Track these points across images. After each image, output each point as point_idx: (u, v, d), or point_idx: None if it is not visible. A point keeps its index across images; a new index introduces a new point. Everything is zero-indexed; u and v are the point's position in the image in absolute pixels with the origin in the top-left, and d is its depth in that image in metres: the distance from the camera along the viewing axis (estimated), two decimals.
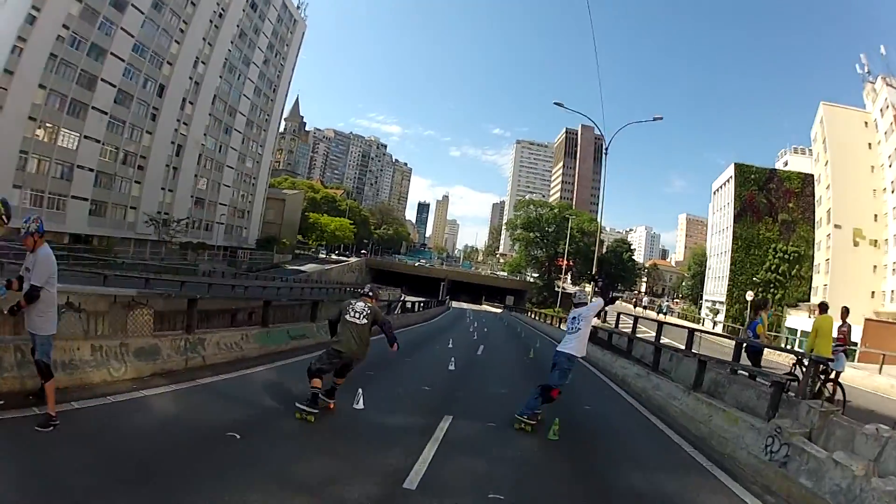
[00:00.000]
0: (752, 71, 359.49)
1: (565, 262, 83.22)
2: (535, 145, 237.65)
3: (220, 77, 67.35)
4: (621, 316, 24.90)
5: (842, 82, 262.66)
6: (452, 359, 14.86)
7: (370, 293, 7.75)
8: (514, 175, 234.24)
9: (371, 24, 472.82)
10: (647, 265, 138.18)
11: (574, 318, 8.25)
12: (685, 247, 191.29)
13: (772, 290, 67.76)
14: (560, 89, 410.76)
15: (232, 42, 68.33)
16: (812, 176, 72.30)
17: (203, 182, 68.29)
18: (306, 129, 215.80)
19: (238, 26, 69.27)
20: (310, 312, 16.28)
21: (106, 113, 50.93)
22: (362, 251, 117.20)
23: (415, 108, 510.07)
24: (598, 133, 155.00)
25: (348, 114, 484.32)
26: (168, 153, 61.11)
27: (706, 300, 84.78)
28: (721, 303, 74.94)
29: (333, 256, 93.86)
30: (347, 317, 7.27)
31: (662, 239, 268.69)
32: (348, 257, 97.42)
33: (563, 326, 13.84)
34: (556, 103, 31.86)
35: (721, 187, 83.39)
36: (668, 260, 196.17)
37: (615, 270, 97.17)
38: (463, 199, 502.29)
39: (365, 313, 7.31)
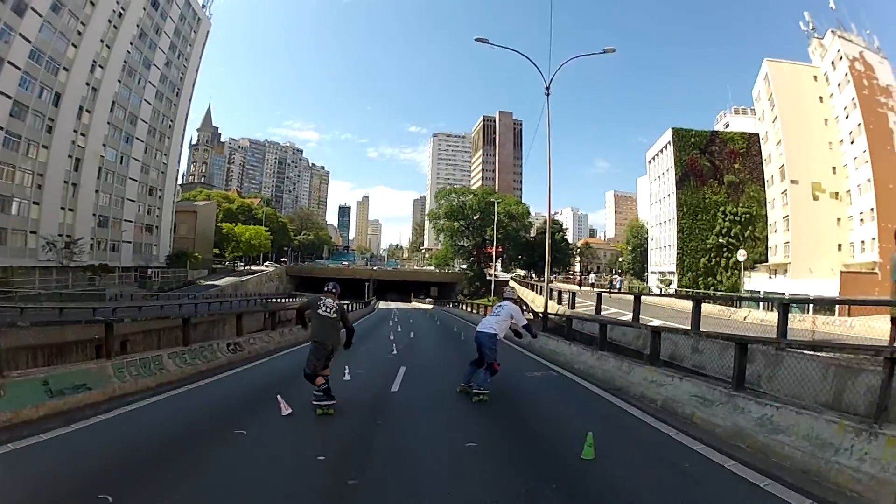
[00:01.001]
0: (677, 42, 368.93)
1: (495, 248, 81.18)
2: (453, 137, 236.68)
3: (119, 81, 61.68)
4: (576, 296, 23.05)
5: (776, 46, 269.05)
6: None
7: (333, 290, 8.71)
8: (433, 168, 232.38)
9: (282, 30, 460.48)
10: (579, 245, 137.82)
11: (501, 305, 10.33)
12: (615, 223, 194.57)
13: (725, 253, 67.91)
14: (473, 77, 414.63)
15: (131, 43, 62.79)
16: (757, 135, 72.17)
17: (105, 198, 62.43)
18: (221, 140, 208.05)
19: (138, 26, 63.80)
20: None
21: (1, 128, 45.76)
22: (282, 259, 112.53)
23: (331, 113, 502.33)
24: (517, 119, 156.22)
25: (265, 123, 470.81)
26: (66, 168, 55.48)
27: (653, 272, 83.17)
28: (671, 273, 73.71)
29: (253, 268, 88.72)
30: (320, 311, 8.28)
31: (590, 219, 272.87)
32: (267, 267, 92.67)
33: None
34: (478, 39, 26.93)
35: (657, 155, 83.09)
36: (599, 238, 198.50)
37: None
38: (384, 199, 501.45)
39: (334, 308, 8.37)
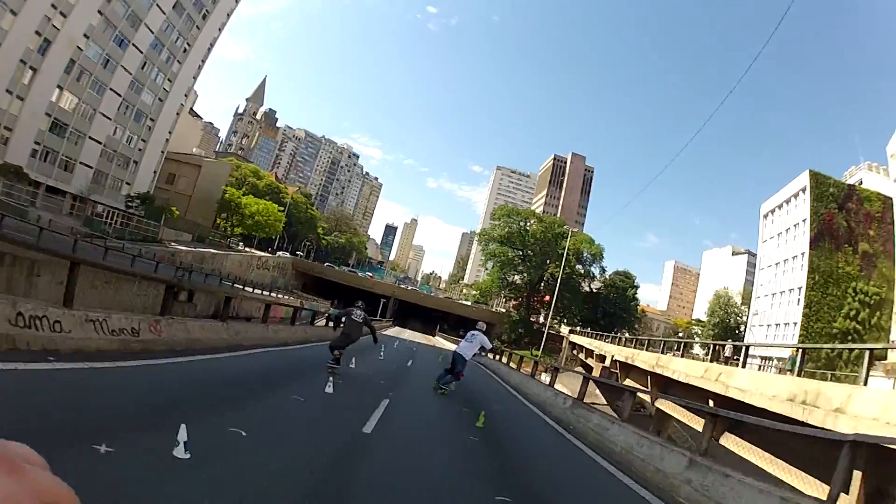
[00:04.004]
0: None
1: (557, 289, 62.98)
2: (517, 174, 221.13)
3: None
4: None
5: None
6: None
7: (362, 306, 14.05)
8: (490, 202, 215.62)
9: (370, 43, 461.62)
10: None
11: (473, 335, 14.95)
12: (669, 296, 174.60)
13: (851, 341, 48.45)
14: (548, 126, 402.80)
15: None
16: (892, 200, 54.52)
17: (71, 101, 48.35)
18: (277, 125, 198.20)
19: None
20: None
21: None
22: (297, 252, 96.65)
23: (399, 135, 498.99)
24: (589, 165, 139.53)
25: (333, 131, 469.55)
26: (29, 46, 42.83)
27: (758, 357, 61.01)
28: (782, 359, 51.84)
29: (251, 251, 72.37)
30: (353, 317, 13.44)
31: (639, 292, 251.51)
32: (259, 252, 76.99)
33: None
34: None
35: (780, 207, 63.31)
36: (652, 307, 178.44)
37: (615, 309, 76.96)
38: (433, 230, 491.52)
39: (362, 317, 13.60)
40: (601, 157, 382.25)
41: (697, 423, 18.28)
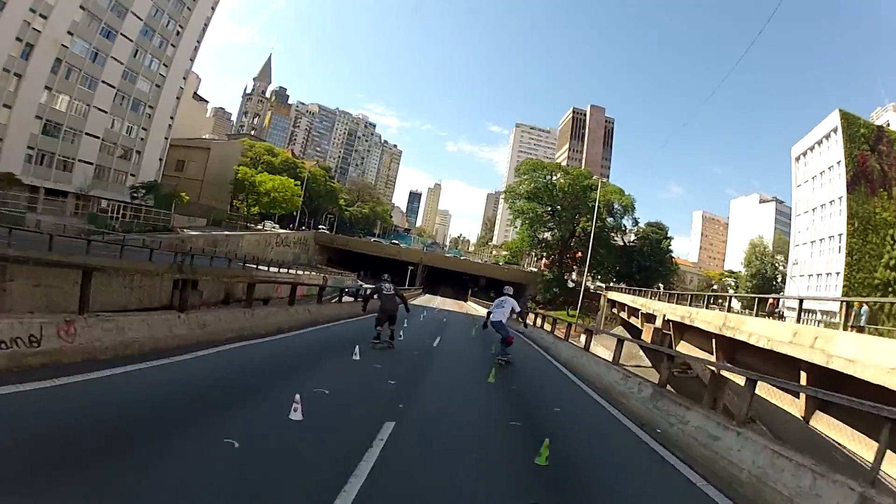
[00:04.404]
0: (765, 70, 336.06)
1: (591, 246, 59.88)
2: (536, 130, 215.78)
3: None
4: None
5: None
6: None
7: (388, 278, 14.53)
8: (512, 160, 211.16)
9: (375, 12, 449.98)
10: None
11: (503, 300, 14.45)
12: (699, 248, 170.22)
13: (891, 294, 45.02)
14: (565, 78, 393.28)
15: None
16: None
17: (61, 101, 47.30)
18: (289, 102, 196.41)
19: None
20: None
21: None
22: (320, 226, 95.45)
23: (415, 102, 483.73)
24: (609, 116, 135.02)
25: (346, 102, 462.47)
26: (10, 53, 41.79)
27: (802, 309, 55.26)
28: (827, 312, 48.20)
29: (271, 229, 71.25)
30: (384, 291, 13.93)
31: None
32: (293, 229, 75.82)
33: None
34: None
35: (812, 149, 59.25)
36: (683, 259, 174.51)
37: (650, 262, 72.87)
38: (457, 193, 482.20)
39: (393, 290, 14.09)
40: (619, 108, 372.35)
41: (772, 395, 15.65)
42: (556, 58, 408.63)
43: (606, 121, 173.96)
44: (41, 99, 45.44)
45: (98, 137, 50.89)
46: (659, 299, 35.33)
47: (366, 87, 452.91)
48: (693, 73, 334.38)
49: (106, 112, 51.32)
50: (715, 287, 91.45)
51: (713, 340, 20.26)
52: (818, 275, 53.68)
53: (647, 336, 30.15)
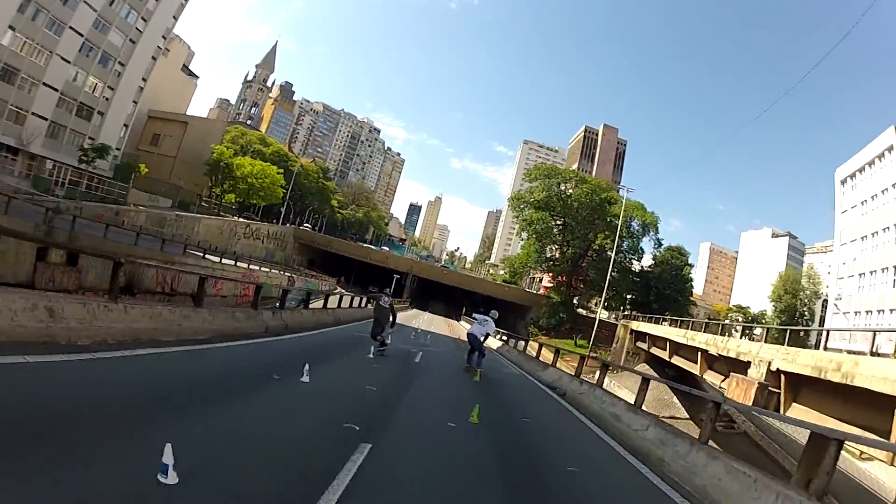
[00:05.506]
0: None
1: (611, 262, 53.81)
2: (545, 148, 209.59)
3: None
4: None
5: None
6: None
7: (387, 292, 15.38)
8: (517, 178, 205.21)
9: (392, 23, 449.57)
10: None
11: (486, 319, 15.35)
12: (705, 280, 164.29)
13: None
14: (576, 100, 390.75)
15: None
16: None
17: (18, 42, 40.83)
18: (294, 98, 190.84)
19: None
20: None
21: None
22: (305, 224, 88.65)
23: (423, 116, 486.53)
24: (622, 138, 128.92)
25: (356, 111, 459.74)
26: None
27: (842, 350, 48.85)
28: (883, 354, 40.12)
29: (247, 220, 64.20)
30: (381, 303, 14.82)
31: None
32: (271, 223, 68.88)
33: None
34: None
35: (863, 170, 52.57)
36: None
37: (669, 290, 64.26)
38: (458, 210, 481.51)
39: (388, 302, 14.85)
40: (630, 132, 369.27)
41: None
42: (570, 81, 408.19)
43: (619, 142, 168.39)
44: (4, 40, 39.31)
45: (56, 90, 44.40)
46: (704, 330, 27.83)
47: (376, 96, 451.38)
48: (706, 108, 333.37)
49: (69, 62, 44.93)
50: (727, 321, 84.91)
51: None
52: (867, 311, 46.69)
53: (738, 395, 18.31)
